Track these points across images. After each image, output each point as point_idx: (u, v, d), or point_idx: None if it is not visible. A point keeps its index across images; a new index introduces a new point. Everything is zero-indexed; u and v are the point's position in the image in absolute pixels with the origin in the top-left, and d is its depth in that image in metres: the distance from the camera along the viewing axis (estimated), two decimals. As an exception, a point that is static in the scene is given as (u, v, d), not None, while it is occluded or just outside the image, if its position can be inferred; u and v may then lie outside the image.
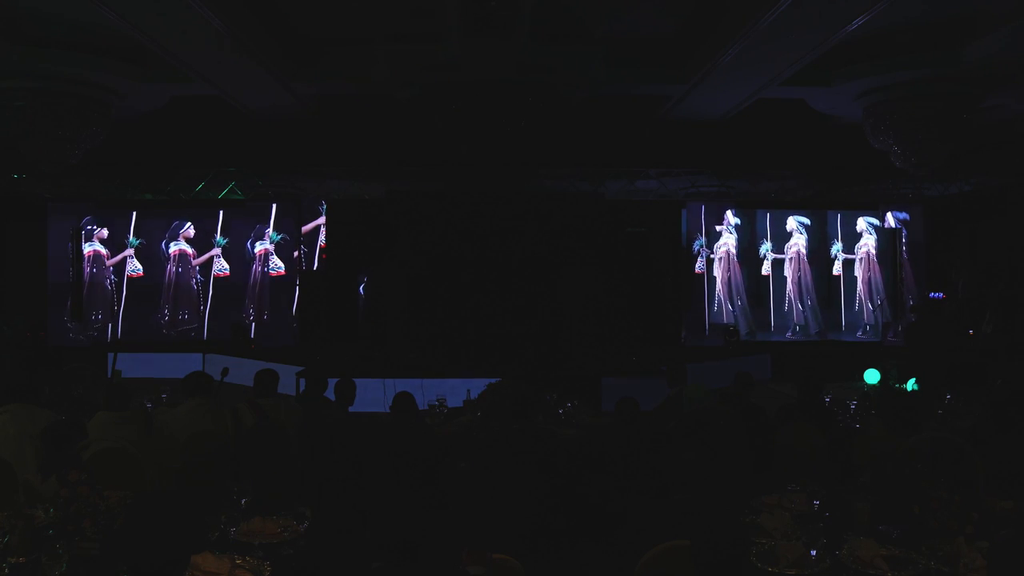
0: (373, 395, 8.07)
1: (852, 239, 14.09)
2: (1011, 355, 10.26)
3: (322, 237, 13.48)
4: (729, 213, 13.82)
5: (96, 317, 13.51)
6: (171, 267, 13.63)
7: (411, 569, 2.43)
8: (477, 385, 6.44)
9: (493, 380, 6.24)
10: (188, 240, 13.66)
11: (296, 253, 13.52)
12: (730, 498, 3.64)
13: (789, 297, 14.01)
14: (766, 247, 13.96)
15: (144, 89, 9.41)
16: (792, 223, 13.93)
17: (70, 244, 13.39)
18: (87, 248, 13.58)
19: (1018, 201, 12.73)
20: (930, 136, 9.27)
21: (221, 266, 13.75)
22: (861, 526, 3.25)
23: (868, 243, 14.09)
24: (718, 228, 13.84)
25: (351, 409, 5.91)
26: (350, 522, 2.97)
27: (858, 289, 14.08)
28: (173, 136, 11.76)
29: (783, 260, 13.98)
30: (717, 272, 13.88)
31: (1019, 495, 3.52)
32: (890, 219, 14.03)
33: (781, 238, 14.02)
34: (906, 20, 8.00)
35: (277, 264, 13.64)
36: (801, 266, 13.95)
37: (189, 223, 13.63)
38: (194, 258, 13.68)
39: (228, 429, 5.27)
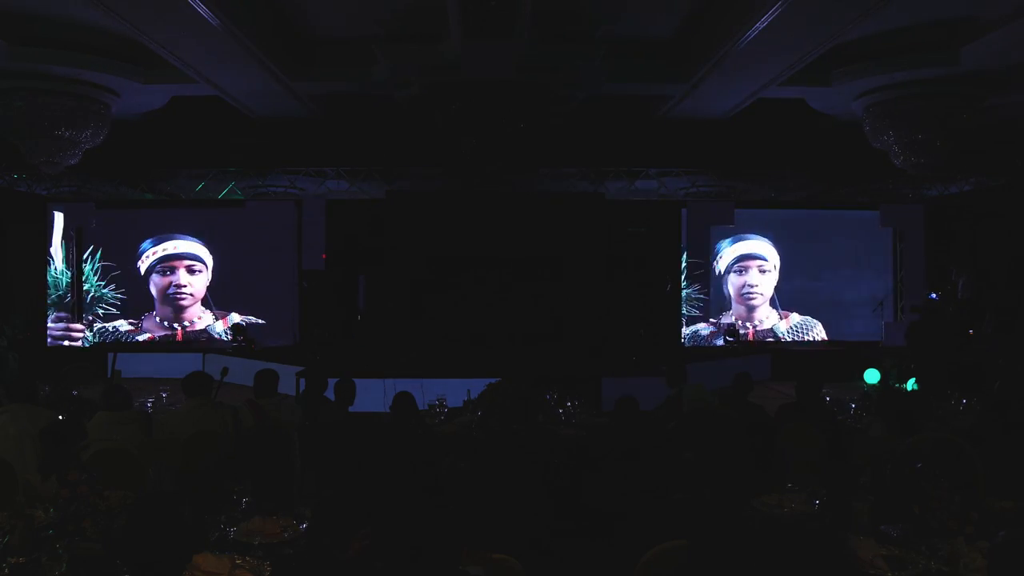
0: (373, 395, 8.07)
1: (851, 239, 14.11)
2: (1011, 355, 10.25)
3: (322, 237, 13.48)
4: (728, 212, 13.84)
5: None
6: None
7: (411, 569, 2.43)
8: (477, 385, 6.43)
9: (493, 380, 6.22)
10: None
11: (297, 253, 13.52)
12: (730, 498, 3.64)
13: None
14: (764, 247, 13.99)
15: (144, 89, 9.39)
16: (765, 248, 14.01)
17: (71, 244, 13.42)
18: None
19: (1018, 201, 12.72)
20: (930, 136, 9.26)
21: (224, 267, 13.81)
22: (861, 526, 3.26)
23: (866, 243, 14.11)
24: (717, 228, 13.88)
25: (351, 409, 5.91)
26: (350, 522, 2.97)
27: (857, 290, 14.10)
28: (173, 136, 11.75)
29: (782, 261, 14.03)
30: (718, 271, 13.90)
31: (1019, 495, 3.52)
32: (889, 220, 14.04)
33: (780, 239, 14.06)
34: (906, 20, 8.00)
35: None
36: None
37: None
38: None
39: (228, 429, 5.27)
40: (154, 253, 13.82)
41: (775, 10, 6.78)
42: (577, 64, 8.63)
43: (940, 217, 14.02)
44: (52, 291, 13.53)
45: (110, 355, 9.60)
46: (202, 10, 6.78)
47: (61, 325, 13.53)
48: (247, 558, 2.95)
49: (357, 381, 6.06)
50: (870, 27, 7.75)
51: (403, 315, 12.74)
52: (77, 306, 13.58)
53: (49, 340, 13.44)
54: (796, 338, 13.91)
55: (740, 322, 13.87)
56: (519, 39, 7.41)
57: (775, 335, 13.90)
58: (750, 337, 13.86)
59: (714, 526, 2.87)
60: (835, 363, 12.06)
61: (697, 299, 13.79)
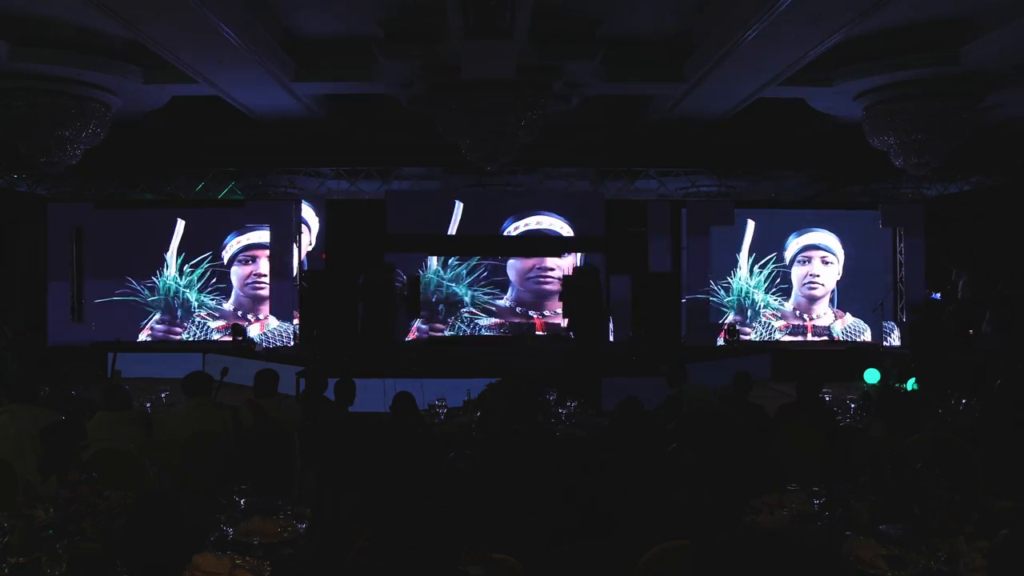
0: (373, 395, 8.07)
1: (852, 239, 14.10)
2: (1011, 355, 10.25)
3: (323, 237, 13.48)
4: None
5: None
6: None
7: (411, 569, 2.42)
8: (477, 385, 6.43)
9: (493, 380, 6.22)
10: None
11: (296, 253, 13.52)
12: (730, 498, 3.64)
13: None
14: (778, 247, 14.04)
15: (144, 89, 9.41)
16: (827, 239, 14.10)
17: (71, 244, 13.44)
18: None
19: (1018, 201, 12.73)
20: (930, 136, 9.27)
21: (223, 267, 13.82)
22: (861, 526, 3.26)
23: (866, 243, 14.11)
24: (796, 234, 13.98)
25: (351, 409, 5.90)
26: (350, 522, 2.97)
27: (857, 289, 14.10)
28: (173, 136, 11.76)
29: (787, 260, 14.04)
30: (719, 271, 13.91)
31: (1019, 495, 3.52)
32: (889, 220, 14.03)
33: (782, 238, 14.07)
34: (906, 20, 8.01)
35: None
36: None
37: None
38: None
39: (228, 429, 5.27)
40: (238, 242, 13.76)
41: (775, 10, 6.78)
42: (577, 64, 8.64)
43: (940, 217, 14.02)
44: (160, 295, 13.59)
45: (110, 355, 9.58)
46: (203, 11, 6.78)
47: (163, 327, 13.63)
48: (247, 558, 2.94)
49: (357, 381, 6.05)
50: (870, 27, 7.76)
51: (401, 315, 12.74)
52: (78, 306, 13.57)
53: (150, 338, 13.59)
54: (849, 339, 13.94)
55: (799, 313, 13.93)
56: (519, 39, 7.41)
57: (831, 334, 13.94)
58: (808, 331, 13.92)
59: (714, 526, 2.87)
60: (835, 363, 12.06)
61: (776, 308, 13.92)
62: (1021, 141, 11.64)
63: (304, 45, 9.03)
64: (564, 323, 12.91)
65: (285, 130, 11.42)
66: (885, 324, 13.71)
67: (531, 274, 13.45)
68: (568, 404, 6.21)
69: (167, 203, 14.05)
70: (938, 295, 13.11)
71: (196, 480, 4.52)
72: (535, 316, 13.47)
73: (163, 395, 6.42)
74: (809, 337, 13.96)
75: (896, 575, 2.83)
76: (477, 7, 6.75)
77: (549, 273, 13.44)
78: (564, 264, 13.41)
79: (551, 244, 13.55)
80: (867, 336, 13.93)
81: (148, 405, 6.13)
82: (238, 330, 12.96)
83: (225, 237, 13.72)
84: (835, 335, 13.95)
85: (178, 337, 13.65)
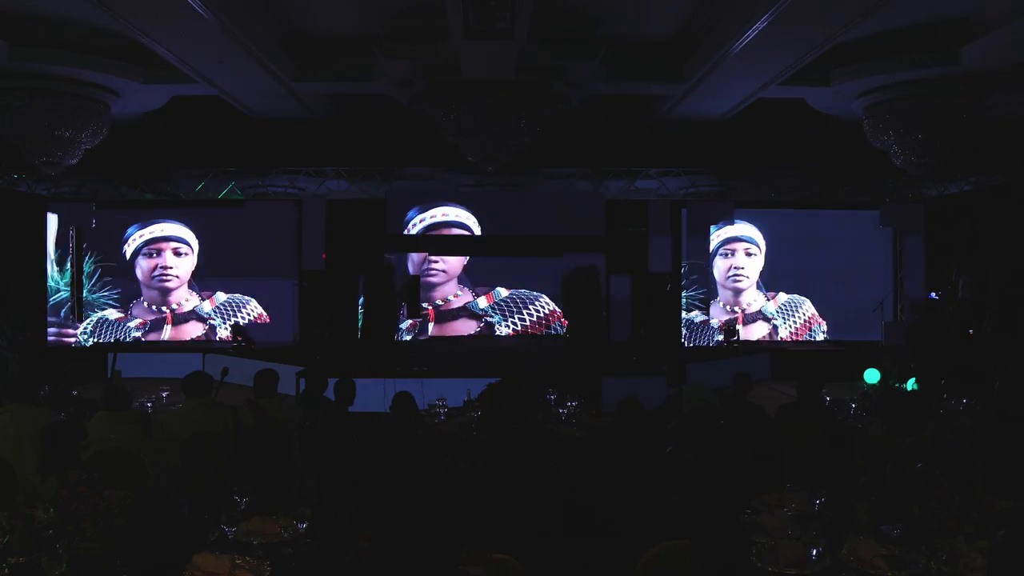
0: (373, 395, 8.07)
1: (852, 239, 14.10)
2: (1011, 355, 10.25)
3: (323, 237, 13.48)
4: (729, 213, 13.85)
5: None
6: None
7: (411, 569, 2.43)
8: (477, 385, 6.43)
9: (493, 380, 6.22)
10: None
11: (297, 253, 13.52)
12: (730, 498, 3.64)
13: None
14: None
15: (144, 89, 9.39)
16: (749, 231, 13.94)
17: (70, 244, 13.44)
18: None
19: (1018, 201, 12.72)
20: (930, 136, 9.26)
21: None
22: (861, 526, 3.26)
23: (866, 243, 14.11)
24: (716, 227, 13.90)
25: (351, 409, 5.91)
26: (350, 522, 2.97)
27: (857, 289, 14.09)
28: (173, 136, 11.75)
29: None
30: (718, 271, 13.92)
31: (1019, 495, 3.52)
32: (889, 220, 14.03)
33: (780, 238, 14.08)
34: (906, 20, 8.00)
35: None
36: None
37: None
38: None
39: (228, 429, 5.27)
40: (140, 236, 13.85)
41: (775, 10, 6.78)
42: (577, 64, 8.64)
43: (940, 217, 14.02)
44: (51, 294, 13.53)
45: (110, 355, 9.59)
46: (202, 10, 6.77)
47: (54, 329, 13.55)
48: (247, 558, 2.95)
49: (357, 381, 6.05)
50: (870, 27, 7.75)
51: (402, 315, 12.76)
52: (77, 306, 13.58)
53: (50, 340, 13.47)
54: (786, 317, 13.85)
55: (727, 307, 13.84)
56: (519, 39, 7.40)
57: (764, 315, 13.86)
58: (739, 321, 13.82)
59: (714, 526, 2.87)
60: (835, 363, 12.05)
61: (697, 299, 13.80)
62: (1021, 141, 11.63)
63: (304, 45, 9.02)
64: (459, 304, 13.14)
65: (285, 130, 11.41)
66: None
67: (425, 266, 13.68)
68: (568, 404, 6.21)
69: (167, 203, 14.05)
70: (935, 295, 13.10)
71: (196, 480, 4.52)
72: (428, 307, 13.53)
73: (163, 395, 6.43)
74: (742, 325, 13.81)
75: (896, 575, 2.84)
76: (477, 7, 6.74)
77: (434, 265, 13.68)
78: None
79: (550, 244, 13.55)
80: (809, 306, 13.82)
81: (148, 405, 6.14)
82: (238, 330, 12.97)
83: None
84: (770, 315, 13.84)
85: (72, 339, 13.47)
